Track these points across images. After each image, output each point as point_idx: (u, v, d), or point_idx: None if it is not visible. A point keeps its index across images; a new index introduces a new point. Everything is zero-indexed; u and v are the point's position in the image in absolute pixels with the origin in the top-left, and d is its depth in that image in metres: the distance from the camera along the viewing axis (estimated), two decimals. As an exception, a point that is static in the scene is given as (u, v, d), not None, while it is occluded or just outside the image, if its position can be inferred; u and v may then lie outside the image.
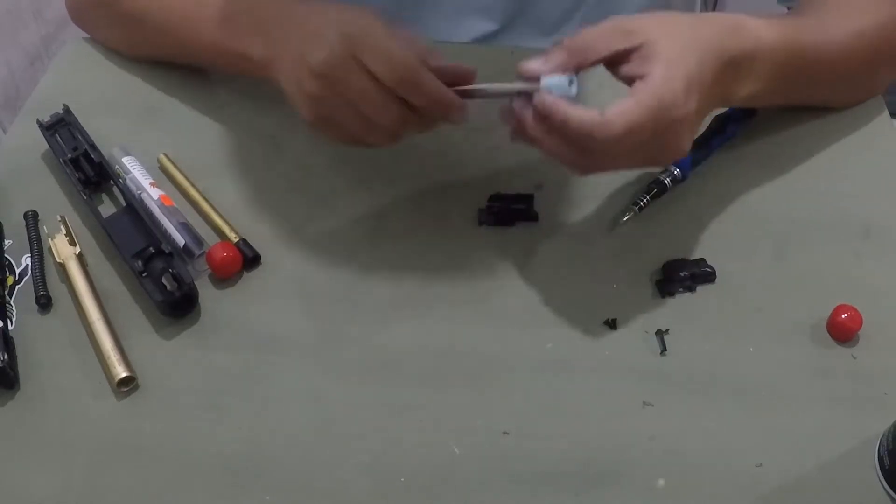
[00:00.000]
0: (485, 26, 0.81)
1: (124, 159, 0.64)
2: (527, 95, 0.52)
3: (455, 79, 0.55)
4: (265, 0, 0.62)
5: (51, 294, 0.58)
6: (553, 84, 0.51)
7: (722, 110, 0.66)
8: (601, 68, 0.53)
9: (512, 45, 0.74)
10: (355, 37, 0.53)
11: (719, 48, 0.54)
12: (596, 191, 0.64)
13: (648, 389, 0.53)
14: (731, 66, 0.55)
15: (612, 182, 0.64)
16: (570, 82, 0.51)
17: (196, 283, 0.56)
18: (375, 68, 0.53)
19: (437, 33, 0.81)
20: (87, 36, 0.77)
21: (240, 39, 0.62)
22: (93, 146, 0.64)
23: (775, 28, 0.59)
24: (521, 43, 0.81)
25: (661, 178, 0.63)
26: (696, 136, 0.56)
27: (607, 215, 0.63)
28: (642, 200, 0.61)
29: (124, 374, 0.52)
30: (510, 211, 0.61)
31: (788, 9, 0.70)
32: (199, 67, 0.72)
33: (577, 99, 0.51)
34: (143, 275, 0.56)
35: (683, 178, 0.63)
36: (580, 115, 0.50)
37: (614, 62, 0.52)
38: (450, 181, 0.62)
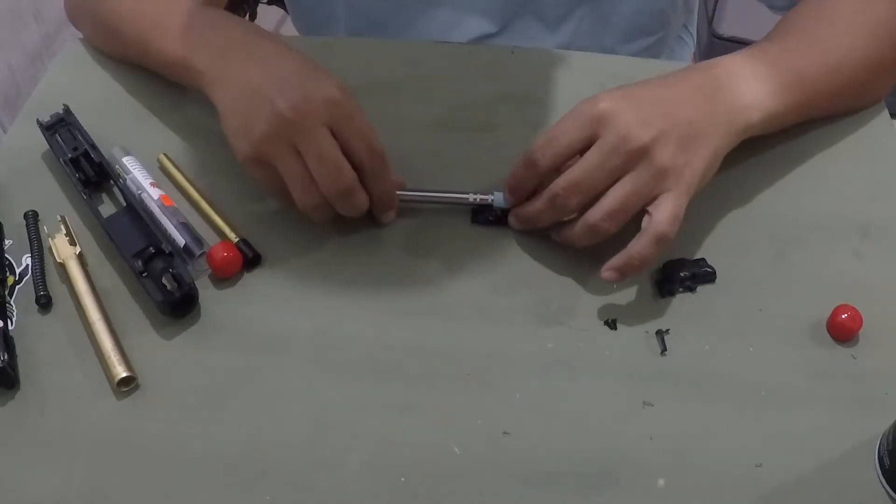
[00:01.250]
0: (485, 26, 0.81)
1: (124, 159, 0.64)
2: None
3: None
4: (216, 24, 0.63)
5: (51, 294, 0.58)
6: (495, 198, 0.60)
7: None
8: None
9: (512, 45, 0.74)
10: (341, 105, 0.54)
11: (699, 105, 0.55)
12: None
13: (648, 389, 0.53)
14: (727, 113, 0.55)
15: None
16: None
17: (196, 283, 0.56)
18: (356, 144, 0.55)
19: (436, 33, 0.81)
20: (87, 36, 0.77)
21: (189, 50, 0.62)
22: (93, 146, 0.64)
23: (765, 66, 0.58)
24: (521, 42, 0.81)
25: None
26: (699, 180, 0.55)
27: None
28: None
29: (124, 374, 0.52)
30: (508, 211, 0.61)
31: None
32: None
33: None
34: (144, 275, 0.56)
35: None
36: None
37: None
38: (448, 181, 0.62)
